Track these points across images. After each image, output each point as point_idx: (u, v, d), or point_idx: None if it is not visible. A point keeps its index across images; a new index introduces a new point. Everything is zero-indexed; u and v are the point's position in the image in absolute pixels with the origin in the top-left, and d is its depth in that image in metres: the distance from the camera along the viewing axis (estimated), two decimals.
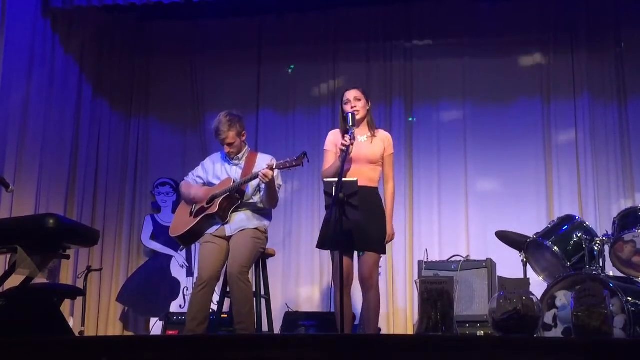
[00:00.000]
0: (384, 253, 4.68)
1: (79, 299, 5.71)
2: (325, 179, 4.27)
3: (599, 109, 6.62)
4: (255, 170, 4.71)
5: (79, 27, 6.68)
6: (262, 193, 4.76)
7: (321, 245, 4.55)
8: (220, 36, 7.36)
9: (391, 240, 4.57)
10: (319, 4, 7.15)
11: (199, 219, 4.74)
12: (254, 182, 4.74)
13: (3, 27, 5.76)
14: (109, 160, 7.03)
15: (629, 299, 4.14)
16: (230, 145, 4.78)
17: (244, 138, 4.87)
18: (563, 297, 4.31)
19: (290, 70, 7.24)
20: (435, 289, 3.40)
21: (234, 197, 4.72)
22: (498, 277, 4.96)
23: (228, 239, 4.70)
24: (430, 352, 2.77)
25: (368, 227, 4.37)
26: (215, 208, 4.67)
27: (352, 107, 4.51)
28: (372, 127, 4.61)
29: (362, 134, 4.53)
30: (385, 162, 4.60)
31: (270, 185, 4.62)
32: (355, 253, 4.48)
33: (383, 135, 4.64)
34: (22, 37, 5.98)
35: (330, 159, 4.57)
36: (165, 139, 7.38)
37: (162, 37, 7.49)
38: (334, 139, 4.61)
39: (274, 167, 4.55)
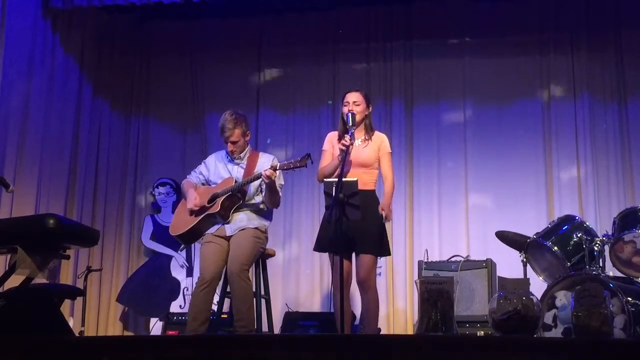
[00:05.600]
0: (388, 254, 4.69)
1: (79, 299, 5.70)
2: (325, 179, 4.27)
3: (599, 109, 6.62)
4: (257, 169, 4.72)
5: (79, 27, 6.68)
6: (263, 193, 4.76)
7: (319, 248, 4.56)
8: (220, 36, 7.36)
9: (388, 218, 4.49)
10: (319, 4, 7.14)
11: (200, 218, 4.75)
12: (256, 183, 4.74)
13: (3, 27, 5.76)
14: (109, 160, 7.03)
15: (629, 299, 4.14)
16: (234, 143, 4.79)
17: (247, 138, 4.88)
18: (563, 297, 4.31)
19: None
20: (435, 289, 3.40)
21: (236, 197, 4.72)
22: (498, 277, 4.96)
23: (228, 238, 4.71)
24: (430, 352, 2.77)
25: (366, 229, 4.38)
26: (217, 207, 4.68)
27: (349, 110, 4.52)
28: (369, 131, 4.62)
29: (357, 138, 4.54)
30: (382, 161, 4.60)
31: (272, 185, 4.62)
32: (353, 254, 4.49)
33: (377, 137, 4.65)
34: (22, 37, 5.98)
35: (327, 159, 4.59)
36: (165, 138, 7.38)
37: (162, 37, 7.49)
38: (331, 139, 4.64)
39: (277, 168, 4.56)
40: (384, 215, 4.44)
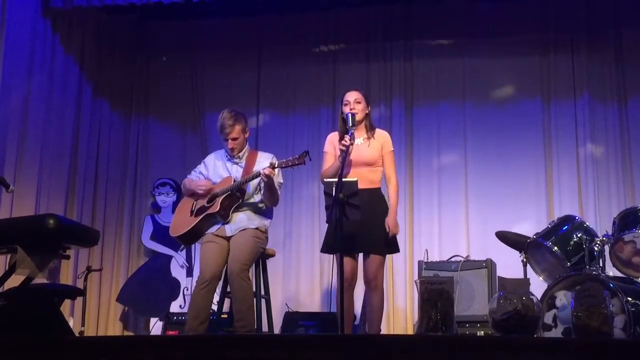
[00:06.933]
0: (397, 251, 4.68)
1: (79, 299, 5.70)
2: (325, 180, 4.28)
3: (599, 109, 6.62)
4: (256, 168, 4.71)
5: (79, 27, 6.68)
6: (262, 192, 4.76)
7: (325, 249, 4.55)
8: (220, 36, 7.36)
9: (395, 234, 4.54)
10: (319, 4, 7.15)
11: (200, 218, 4.74)
12: (255, 181, 4.74)
13: (3, 27, 5.76)
14: (109, 160, 7.03)
15: (629, 299, 4.14)
16: (234, 140, 4.77)
17: (247, 135, 4.88)
18: (563, 297, 4.30)
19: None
20: (435, 289, 3.40)
21: (235, 196, 4.72)
22: (498, 277, 4.96)
23: (228, 238, 4.70)
24: (430, 352, 2.77)
25: (372, 228, 4.39)
26: (216, 207, 4.67)
27: (350, 109, 4.53)
28: (370, 130, 4.63)
29: (358, 137, 4.55)
30: (386, 160, 4.61)
31: (271, 183, 4.62)
32: (361, 255, 4.49)
33: (380, 135, 4.66)
34: (22, 37, 5.98)
35: (329, 161, 4.59)
36: (165, 139, 7.38)
37: (162, 37, 7.49)
38: (332, 140, 4.64)
39: (276, 165, 4.55)
40: (389, 232, 4.46)
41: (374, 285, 4.44)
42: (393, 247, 4.57)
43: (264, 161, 4.73)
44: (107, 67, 7.09)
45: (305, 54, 7.25)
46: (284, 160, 4.56)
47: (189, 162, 6.60)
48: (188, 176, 5.02)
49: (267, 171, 4.52)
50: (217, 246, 4.69)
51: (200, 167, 4.98)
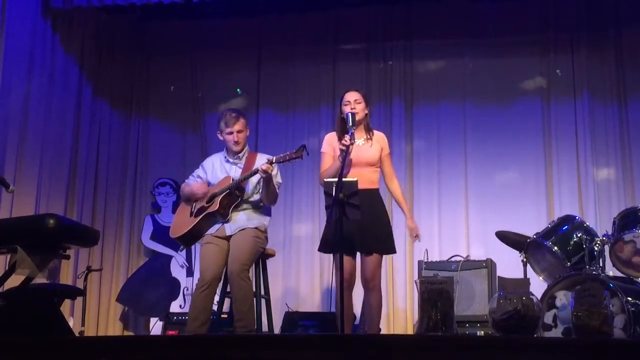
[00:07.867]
0: (394, 252, 4.69)
1: (79, 299, 5.70)
2: (325, 180, 4.27)
3: (599, 109, 6.62)
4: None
5: (79, 27, 6.68)
6: (260, 190, 4.76)
7: (323, 248, 4.55)
8: (220, 36, 7.36)
9: (418, 233, 4.65)
10: (319, 4, 7.15)
11: (199, 218, 4.74)
12: (254, 180, 4.74)
13: (3, 27, 5.76)
14: (109, 160, 7.03)
15: (629, 299, 4.14)
16: (240, 132, 4.77)
17: (248, 133, 4.89)
18: (563, 297, 4.31)
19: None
20: (435, 289, 3.40)
21: (234, 195, 4.71)
22: (498, 277, 4.96)
23: (228, 238, 4.70)
24: (430, 352, 2.77)
25: (371, 228, 4.39)
26: (216, 206, 4.67)
27: (351, 109, 4.53)
28: (369, 131, 4.63)
29: (358, 137, 4.55)
30: (385, 162, 4.64)
31: (269, 181, 4.62)
32: (358, 254, 4.49)
33: (379, 137, 4.67)
34: (22, 36, 5.98)
35: (328, 162, 4.59)
36: (165, 139, 7.38)
37: (162, 37, 7.49)
38: (330, 141, 4.63)
39: (274, 161, 4.56)
40: (416, 235, 4.63)
41: (372, 286, 4.45)
42: (391, 248, 4.57)
43: (262, 162, 4.71)
44: (107, 67, 7.09)
45: (305, 54, 7.25)
46: (282, 154, 4.56)
47: (189, 163, 6.61)
48: (186, 180, 5.00)
49: (264, 166, 4.52)
50: (217, 247, 4.69)
51: (199, 171, 4.97)
